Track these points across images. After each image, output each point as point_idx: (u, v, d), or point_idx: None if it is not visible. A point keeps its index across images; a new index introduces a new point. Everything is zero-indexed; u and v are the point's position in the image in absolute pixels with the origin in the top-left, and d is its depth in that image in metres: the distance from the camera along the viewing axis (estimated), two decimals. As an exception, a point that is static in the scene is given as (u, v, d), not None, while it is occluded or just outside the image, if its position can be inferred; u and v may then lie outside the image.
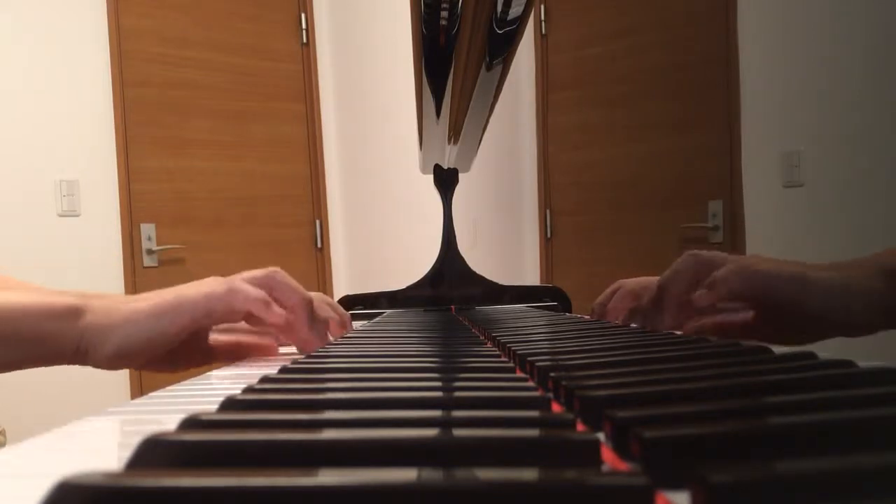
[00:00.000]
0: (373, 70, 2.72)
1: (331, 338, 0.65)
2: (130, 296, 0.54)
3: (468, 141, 0.93)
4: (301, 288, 0.59)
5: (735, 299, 0.54)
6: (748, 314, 0.57)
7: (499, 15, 0.58)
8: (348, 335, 0.64)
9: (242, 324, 0.59)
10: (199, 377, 0.45)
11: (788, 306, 0.51)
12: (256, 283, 0.56)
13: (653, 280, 0.67)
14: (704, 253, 0.59)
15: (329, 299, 0.78)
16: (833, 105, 2.40)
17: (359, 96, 2.81)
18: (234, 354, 0.60)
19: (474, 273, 1.07)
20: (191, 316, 0.52)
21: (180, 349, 0.55)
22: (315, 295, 0.72)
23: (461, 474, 0.17)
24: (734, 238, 2.55)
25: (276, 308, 0.56)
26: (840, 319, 0.51)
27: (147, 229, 2.59)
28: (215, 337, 0.60)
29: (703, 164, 2.61)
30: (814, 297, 0.50)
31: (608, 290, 0.80)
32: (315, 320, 0.59)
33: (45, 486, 0.15)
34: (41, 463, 0.23)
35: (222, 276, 0.57)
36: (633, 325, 0.64)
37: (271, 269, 0.59)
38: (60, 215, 2.45)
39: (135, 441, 0.19)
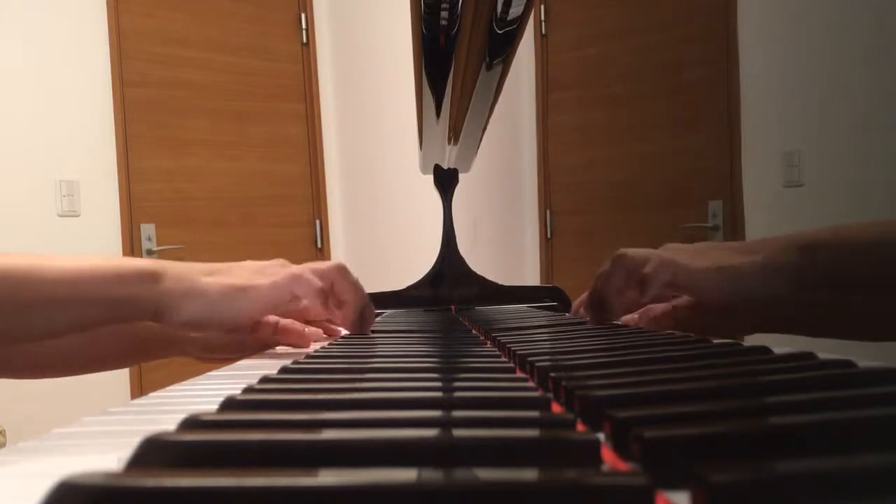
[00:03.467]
0: (373, 70, 2.72)
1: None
2: (205, 265, 0.57)
3: (468, 141, 0.93)
4: (361, 288, 0.63)
5: (659, 292, 0.57)
6: (669, 304, 0.60)
7: (499, 15, 0.58)
8: (348, 335, 0.64)
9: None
10: (199, 377, 0.45)
11: (701, 297, 0.56)
12: (320, 273, 0.60)
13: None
14: (630, 251, 0.62)
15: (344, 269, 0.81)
16: (833, 105, 2.40)
17: (359, 96, 2.81)
18: (293, 338, 0.64)
19: (474, 273, 1.07)
20: (258, 308, 0.56)
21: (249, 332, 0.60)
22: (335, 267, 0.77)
23: (461, 474, 0.17)
24: (734, 238, 2.55)
25: (330, 305, 0.60)
26: (715, 301, 0.54)
27: (147, 229, 2.59)
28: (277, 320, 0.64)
29: (703, 164, 2.61)
30: (721, 287, 0.53)
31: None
32: (364, 321, 0.63)
33: (45, 486, 0.15)
34: (41, 463, 0.23)
35: None
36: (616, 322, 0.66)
37: (337, 262, 0.62)
38: (60, 215, 2.45)
39: (135, 441, 0.19)
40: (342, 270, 0.61)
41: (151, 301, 0.52)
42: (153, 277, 0.52)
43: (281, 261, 0.61)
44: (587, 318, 0.79)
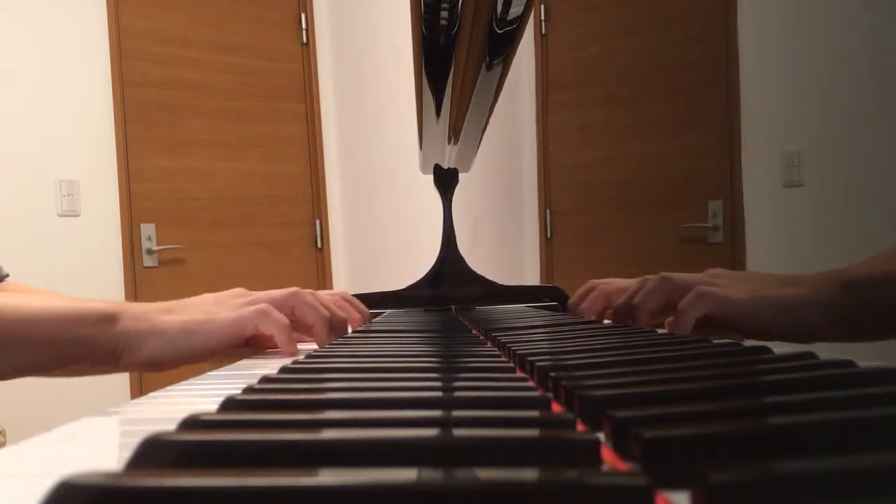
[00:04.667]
0: (373, 70, 2.72)
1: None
2: (163, 304, 0.56)
3: (468, 141, 0.93)
4: (320, 307, 0.62)
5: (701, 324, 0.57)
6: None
7: (499, 15, 0.58)
8: (348, 335, 0.64)
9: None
10: (199, 377, 0.45)
11: (741, 327, 0.56)
12: (279, 304, 0.59)
13: (627, 282, 0.71)
14: (674, 277, 0.62)
15: (350, 297, 0.81)
16: (833, 105, 2.40)
17: (359, 96, 2.81)
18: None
19: (474, 273, 1.07)
20: (219, 340, 0.55)
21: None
22: (337, 293, 0.78)
23: (461, 474, 0.17)
24: (734, 238, 2.55)
25: (294, 338, 0.58)
26: (787, 335, 0.54)
27: (147, 229, 2.59)
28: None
29: (703, 164, 2.61)
30: (762, 318, 0.54)
31: (581, 290, 0.83)
32: (333, 331, 0.62)
33: (45, 486, 0.15)
34: (41, 463, 0.23)
35: (224, 278, 0.59)
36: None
37: (292, 289, 0.62)
38: (60, 215, 2.45)
39: (135, 441, 0.19)
40: (297, 295, 0.61)
41: (108, 342, 0.51)
42: (110, 318, 0.52)
43: (239, 290, 0.61)
44: (586, 315, 0.79)
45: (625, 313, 0.64)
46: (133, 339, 0.52)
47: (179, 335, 0.53)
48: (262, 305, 0.57)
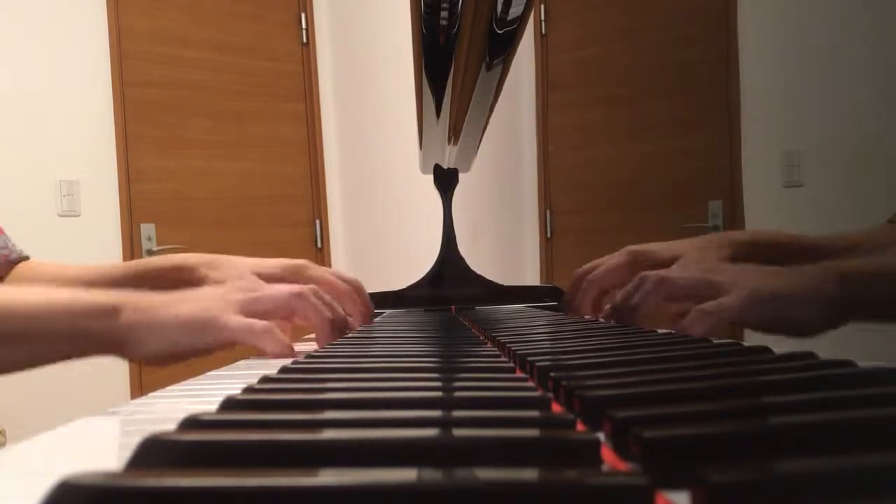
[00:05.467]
0: (373, 70, 2.72)
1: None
2: (164, 295, 0.56)
3: (468, 141, 0.93)
4: (323, 309, 0.61)
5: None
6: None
7: (499, 15, 0.58)
8: (348, 335, 0.64)
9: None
10: (199, 377, 0.45)
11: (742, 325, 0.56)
12: (283, 305, 0.59)
13: (610, 262, 0.71)
14: (676, 279, 0.60)
15: (361, 289, 0.79)
16: (833, 105, 2.40)
17: (359, 96, 2.81)
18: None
19: (474, 273, 1.07)
20: (214, 339, 0.54)
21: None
22: (352, 280, 0.76)
23: (461, 474, 0.17)
24: (734, 238, 2.55)
25: (281, 338, 0.57)
26: (784, 329, 0.54)
27: (147, 229, 2.59)
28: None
29: (703, 164, 2.61)
30: (762, 316, 0.54)
31: (570, 284, 0.82)
32: (335, 331, 0.62)
33: (45, 486, 0.15)
34: (41, 463, 0.23)
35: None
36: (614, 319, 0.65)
37: (291, 291, 0.60)
38: (60, 215, 2.45)
39: (135, 441, 0.19)
40: (301, 297, 0.60)
41: (111, 336, 0.51)
42: (112, 311, 0.51)
43: (242, 284, 0.60)
44: (582, 309, 0.79)
45: (622, 313, 0.64)
46: (136, 332, 0.52)
47: (180, 330, 0.53)
48: (271, 326, 0.56)
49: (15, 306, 0.49)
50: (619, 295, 0.65)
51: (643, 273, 0.63)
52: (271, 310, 0.58)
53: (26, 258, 0.80)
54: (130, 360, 0.54)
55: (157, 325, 0.52)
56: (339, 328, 0.63)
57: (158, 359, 0.54)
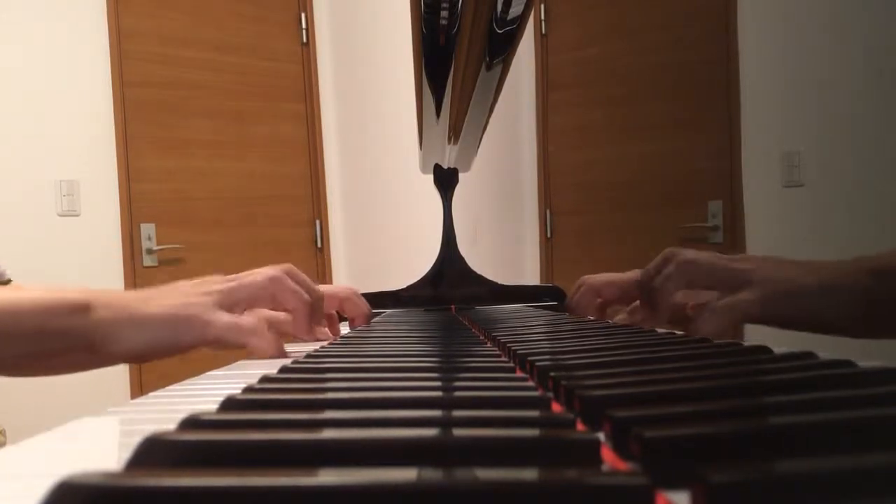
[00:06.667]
0: (373, 70, 2.72)
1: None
2: (136, 292, 0.55)
3: (468, 141, 0.93)
4: (301, 292, 0.60)
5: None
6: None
7: (499, 15, 0.58)
8: (348, 335, 0.64)
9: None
10: (199, 377, 0.45)
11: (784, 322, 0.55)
12: (260, 291, 0.58)
13: (615, 276, 0.71)
14: (700, 259, 0.60)
15: (356, 294, 0.80)
16: (833, 105, 2.40)
17: (359, 96, 2.81)
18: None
19: (474, 273, 1.07)
20: (197, 336, 0.53)
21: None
22: (346, 288, 0.78)
23: (461, 474, 0.17)
24: (734, 238, 2.55)
25: (269, 335, 0.56)
26: (822, 323, 0.53)
27: (147, 229, 2.59)
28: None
29: (703, 164, 2.61)
30: (803, 308, 0.52)
31: (574, 288, 0.82)
32: (314, 314, 0.61)
33: (45, 486, 0.15)
34: (41, 463, 0.23)
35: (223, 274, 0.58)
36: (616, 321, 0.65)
37: (275, 272, 0.59)
38: (60, 215, 2.45)
39: (135, 441, 0.19)
40: (278, 281, 0.59)
41: (84, 333, 0.50)
42: (82, 308, 0.50)
43: (217, 277, 0.59)
44: (579, 311, 0.79)
45: (646, 291, 0.62)
46: (109, 328, 0.50)
47: (159, 327, 0.52)
48: (258, 324, 0.55)
49: None
50: (642, 274, 0.64)
51: (670, 249, 0.62)
52: (250, 297, 0.57)
53: (8, 280, 0.79)
54: (106, 359, 0.52)
55: (133, 321, 0.51)
56: (317, 311, 0.62)
57: (134, 356, 0.52)
